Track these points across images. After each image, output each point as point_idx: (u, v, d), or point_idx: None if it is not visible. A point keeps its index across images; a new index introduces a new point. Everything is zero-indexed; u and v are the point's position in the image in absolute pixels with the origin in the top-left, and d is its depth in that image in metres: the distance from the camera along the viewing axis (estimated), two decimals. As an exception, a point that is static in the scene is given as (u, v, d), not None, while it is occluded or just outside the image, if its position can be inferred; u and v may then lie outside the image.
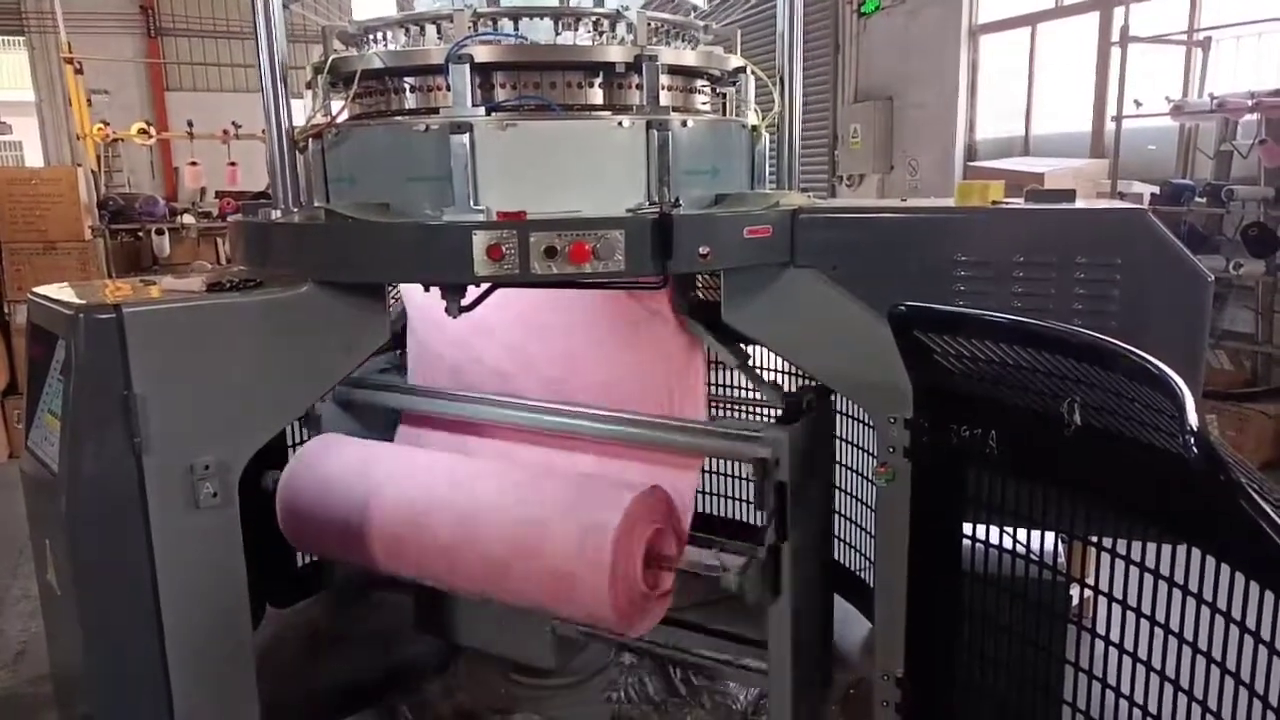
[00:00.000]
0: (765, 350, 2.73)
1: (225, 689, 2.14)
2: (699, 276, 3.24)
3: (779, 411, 2.49)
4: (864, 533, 3.25)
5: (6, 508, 2.35)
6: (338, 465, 2.76)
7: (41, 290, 2.20)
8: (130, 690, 2.03)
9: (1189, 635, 1.50)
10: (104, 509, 1.95)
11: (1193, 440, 1.27)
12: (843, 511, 3.36)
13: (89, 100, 7.30)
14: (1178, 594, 1.50)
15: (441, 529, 2.48)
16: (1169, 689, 1.55)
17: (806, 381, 2.63)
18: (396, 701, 2.78)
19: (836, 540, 3.38)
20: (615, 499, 2.32)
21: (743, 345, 2.61)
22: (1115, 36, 6.11)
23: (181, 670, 2.05)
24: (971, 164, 8.29)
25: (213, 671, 2.11)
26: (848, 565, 3.38)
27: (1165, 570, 1.53)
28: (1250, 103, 5.09)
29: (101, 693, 2.02)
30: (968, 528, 1.93)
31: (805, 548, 2.44)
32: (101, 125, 7.00)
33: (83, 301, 1.99)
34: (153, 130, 7.32)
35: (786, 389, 2.65)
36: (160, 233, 6.31)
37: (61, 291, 2.15)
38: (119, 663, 2.01)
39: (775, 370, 3.15)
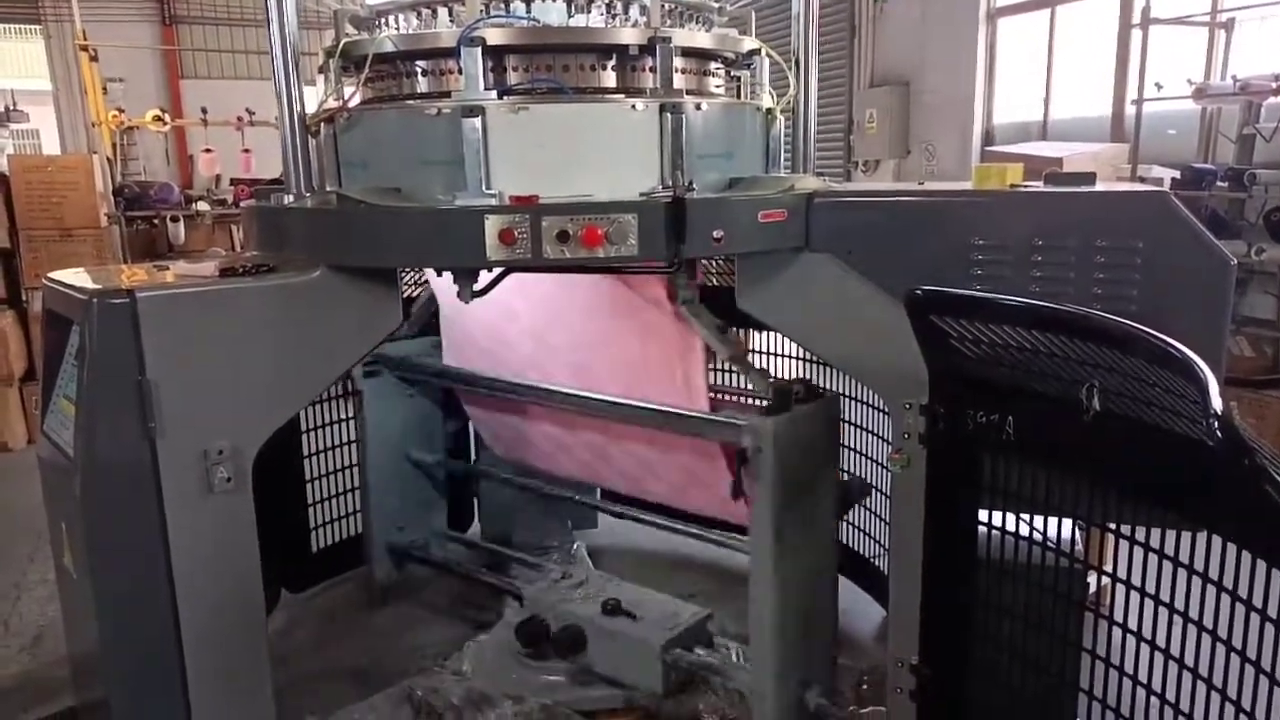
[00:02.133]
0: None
1: (239, 672, 2.15)
2: (713, 262, 3.23)
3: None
4: (878, 519, 3.24)
5: (27, 493, 2.37)
6: None
7: (56, 275, 2.21)
8: (145, 673, 2.05)
9: (1208, 622, 1.47)
10: (119, 494, 1.96)
11: (1216, 425, 1.25)
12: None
13: (104, 88, 7.32)
14: (1197, 580, 1.48)
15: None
16: (1188, 677, 1.53)
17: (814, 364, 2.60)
18: (409, 685, 2.79)
19: (851, 526, 3.38)
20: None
21: (738, 332, 2.59)
22: (1136, 18, 6.03)
23: (196, 653, 2.07)
24: (989, 149, 8.21)
25: (227, 655, 2.12)
26: (861, 552, 3.37)
27: (1184, 557, 1.50)
28: (1274, 85, 5.01)
29: (117, 675, 2.04)
30: (983, 514, 1.91)
31: (796, 544, 2.35)
32: (117, 113, 7.02)
33: (97, 286, 1.99)
34: (167, 117, 7.33)
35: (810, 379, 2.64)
36: (175, 220, 6.34)
37: (76, 277, 2.16)
38: (134, 646, 2.03)
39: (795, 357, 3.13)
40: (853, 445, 3.31)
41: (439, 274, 2.97)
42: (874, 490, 3.23)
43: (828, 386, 3.33)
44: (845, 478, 3.01)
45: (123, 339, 1.90)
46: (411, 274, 3.38)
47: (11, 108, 8.18)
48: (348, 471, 3.53)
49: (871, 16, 9.65)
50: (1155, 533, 1.58)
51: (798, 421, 2.31)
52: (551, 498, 3.49)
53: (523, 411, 3.17)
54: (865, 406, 3.23)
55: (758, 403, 3.08)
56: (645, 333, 2.68)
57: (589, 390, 2.74)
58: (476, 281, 2.33)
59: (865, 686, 2.71)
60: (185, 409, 1.98)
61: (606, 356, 2.79)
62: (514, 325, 2.99)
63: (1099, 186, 2.22)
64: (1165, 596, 1.55)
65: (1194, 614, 1.50)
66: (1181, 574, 1.51)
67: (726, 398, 2.96)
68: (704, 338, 2.48)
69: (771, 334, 3.32)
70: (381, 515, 3.44)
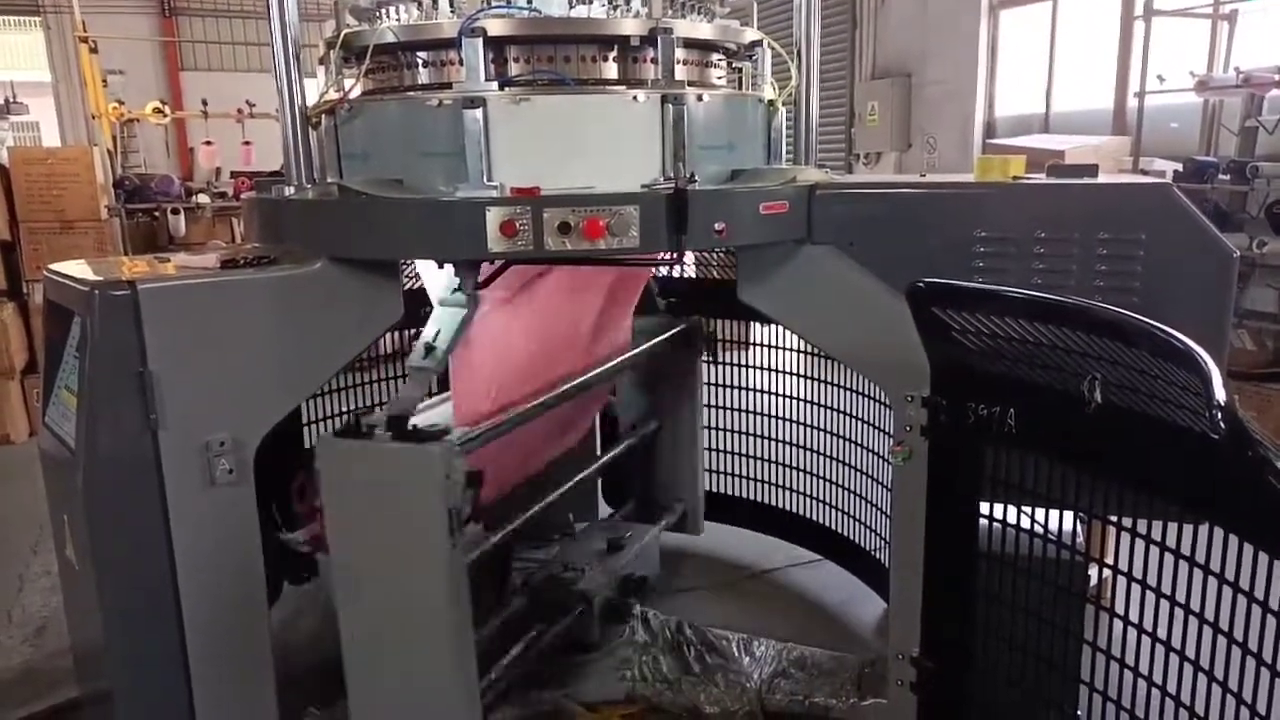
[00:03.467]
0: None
1: (242, 664, 2.15)
2: (714, 254, 3.23)
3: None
4: (878, 511, 3.24)
5: (30, 485, 2.37)
6: None
7: (57, 267, 2.20)
8: (148, 665, 2.05)
9: (1210, 615, 1.47)
10: (121, 486, 1.96)
11: (1220, 416, 1.24)
12: (858, 490, 3.35)
13: (104, 80, 7.31)
14: (1198, 573, 1.48)
15: None
16: (1189, 670, 1.53)
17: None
18: (412, 677, 2.80)
19: (852, 520, 3.38)
20: None
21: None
22: (1139, 10, 6.00)
23: (198, 645, 2.07)
24: (990, 141, 8.20)
25: (229, 647, 2.12)
26: (861, 544, 3.37)
27: (1186, 549, 1.50)
28: (1277, 77, 4.99)
29: (120, 667, 2.05)
30: (985, 507, 1.91)
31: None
32: (117, 105, 7.01)
33: (98, 278, 1.99)
34: (167, 109, 7.32)
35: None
36: (176, 212, 6.32)
37: (77, 269, 2.16)
38: (137, 638, 2.03)
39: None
40: (856, 439, 3.32)
41: (440, 265, 2.95)
42: (875, 485, 3.24)
43: (826, 380, 3.35)
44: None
45: (124, 330, 1.90)
46: (413, 265, 3.38)
47: (11, 100, 8.16)
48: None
49: (873, 8, 9.62)
50: (1157, 525, 1.58)
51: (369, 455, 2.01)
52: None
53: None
54: (866, 399, 3.23)
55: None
56: None
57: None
58: (479, 273, 2.32)
59: (866, 679, 2.72)
60: (187, 401, 1.98)
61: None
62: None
63: (1101, 179, 2.21)
64: (1166, 589, 1.55)
65: (1195, 607, 1.50)
66: (1183, 567, 1.51)
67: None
68: None
69: (773, 327, 3.32)
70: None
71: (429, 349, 2.22)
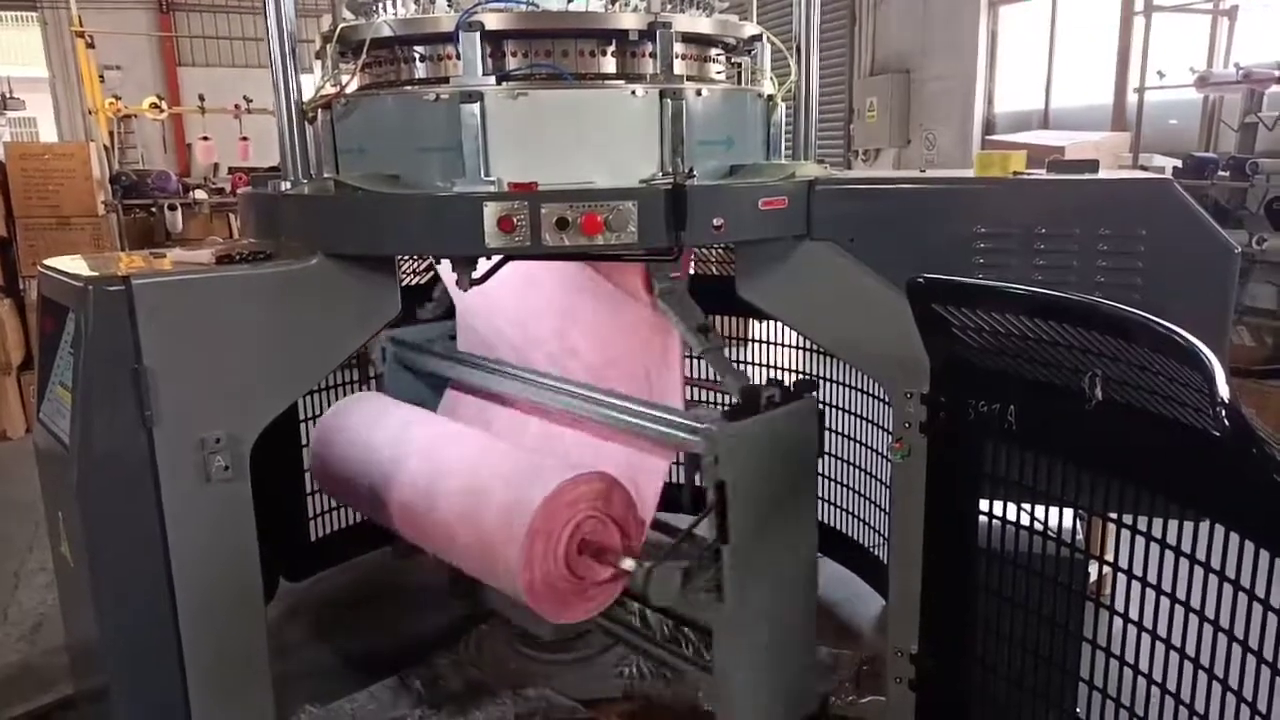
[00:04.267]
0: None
1: (238, 661, 2.14)
2: (713, 250, 3.22)
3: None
4: (877, 508, 3.24)
5: (26, 481, 2.36)
6: (353, 419, 2.85)
7: (51, 262, 2.19)
8: (144, 661, 2.04)
9: (1209, 612, 1.47)
10: (115, 482, 1.95)
11: (1224, 413, 1.23)
12: (856, 487, 3.35)
13: (101, 76, 7.29)
14: (1198, 570, 1.47)
15: (406, 489, 2.46)
16: (1188, 667, 1.52)
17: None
18: (409, 674, 2.79)
19: (852, 517, 3.37)
20: (548, 477, 2.17)
21: (712, 329, 2.45)
22: (1139, 6, 5.99)
23: (194, 642, 2.06)
24: (990, 137, 8.18)
25: (225, 643, 2.11)
26: (860, 541, 3.36)
27: (1186, 546, 1.50)
28: (1277, 73, 4.98)
29: (115, 664, 2.03)
30: (984, 503, 1.90)
31: (763, 563, 2.26)
32: (113, 100, 6.99)
33: (93, 273, 1.98)
34: (164, 105, 7.30)
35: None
36: (173, 208, 6.31)
37: (71, 264, 2.14)
38: (132, 634, 2.02)
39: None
40: (853, 435, 3.31)
41: (437, 261, 2.95)
42: (874, 482, 3.23)
43: (825, 377, 3.34)
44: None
45: (119, 326, 1.89)
46: (410, 261, 3.37)
47: (8, 95, 8.14)
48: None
49: (872, 4, 9.60)
50: (1156, 522, 1.57)
51: (761, 429, 2.18)
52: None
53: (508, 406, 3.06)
54: (866, 396, 3.22)
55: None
56: (620, 326, 2.60)
57: (562, 381, 2.65)
58: (475, 269, 2.31)
59: (865, 676, 2.71)
60: (182, 397, 1.96)
61: (580, 350, 2.73)
62: (501, 314, 2.95)
63: (1102, 174, 2.20)
64: (1166, 586, 1.55)
65: (1195, 603, 1.49)
66: (1183, 564, 1.50)
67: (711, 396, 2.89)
68: (680, 332, 2.39)
69: (772, 323, 3.31)
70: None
71: (703, 330, 2.38)
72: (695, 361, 2.67)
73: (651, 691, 2.73)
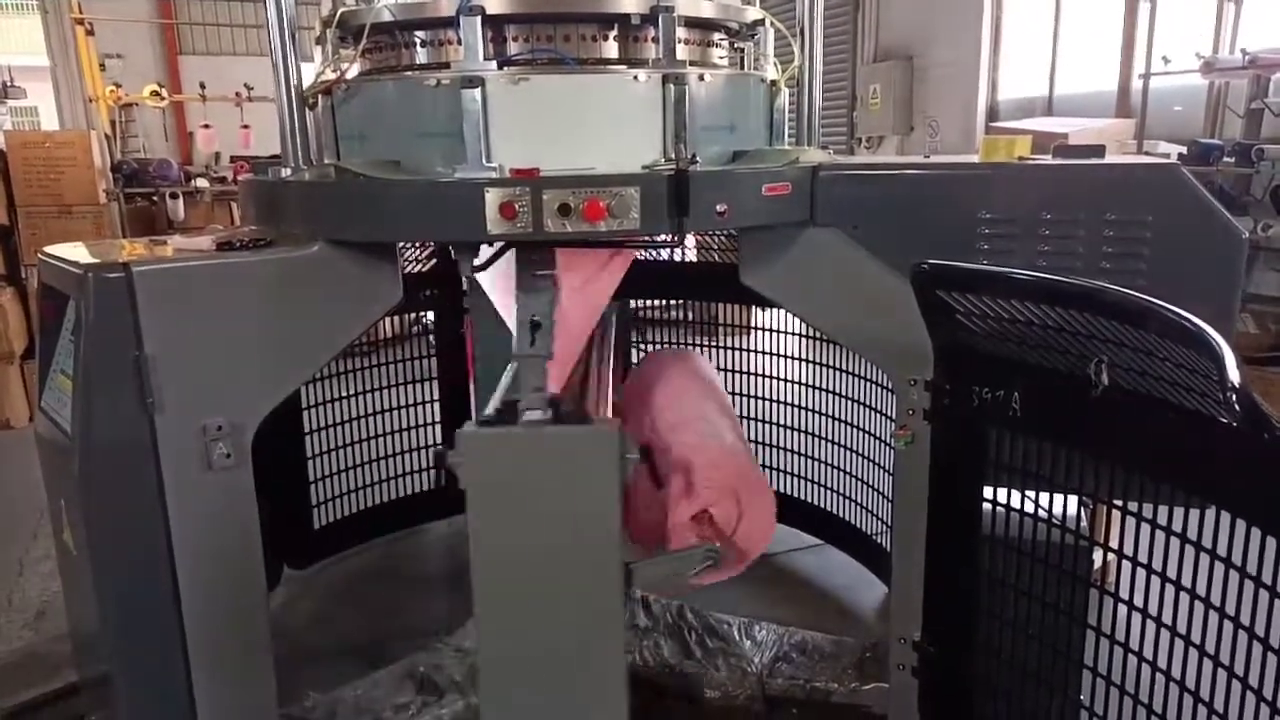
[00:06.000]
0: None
1: (241, 648, 2.15)
2: (714, 237, 3.20)
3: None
4: (880, 496, 3.23)
5: (30, 469, 2.36)
6: None
7: (52, 250, 2.18)
8: (147, 649, 2.04)
9: (1215, 599, 1.46)
10: (117, 470, 1.95)
11: (1235, 398, 1.22)
12: (859, 475, 3.34)
13: (102, 64, 7.27)
14: (1204, 557, 1.47)
15: None
16: (1194, 653, 1.52)
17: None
18: (412, 662, 2.80)
19: (852, 503, 3.37)
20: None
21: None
22: (1144, -9, 5.94)
23: (197, 629, 2.06)
24: (994, 124, 8.15)
25: (228, 631, 2.11)
26: (862, 528, 3.36)
27: (1192, 534, 1.49)
28: (1284, 58, 4.94)
29: (118, 651, 2.04)
30: (988, 490, 1.90)
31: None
32: (114, 88, 6.97)
33: (93, 260, 1.97)
34: (165, 93, 7.28)
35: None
36: (174, 196, 6.30)
37: (72, 251, 2.13)
38: (135, 622, 2.02)
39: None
40: (858, 423, 3.31)
41: (439, 248, 2.93)
42: (876, 469, 3.23)
43: (828, 363, 3.34)
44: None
45: (119, 314, 1.88)
46: (415, 248, 3.36)
47: (9, 84, 8.11)
48: (351, 448, 3.53)
49: (875, -10, 9.54)
50: (1161, 508, 1.56)
51: (521, 443, 1.68)
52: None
53: None
54: (868, 382, 3.21)
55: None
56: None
57: None
58: (477, 255, 2.30)
59: (867, 663, 2.71)
60: (183, 384, 1.96)
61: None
62: None
63: (1109, 159, 2.19)
64: (1171, 573, 1.54)
65: (1200, 590, 1.49)
66: (1189, 550, 1.50)
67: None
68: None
69: (776, 310, 3.30)
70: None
71: (535, 327, 1.93)
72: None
73: (655, 679, 2.73)
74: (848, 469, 3.37)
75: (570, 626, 1.76)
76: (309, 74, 2.23)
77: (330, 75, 2.22)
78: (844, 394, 3.33)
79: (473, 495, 1.68)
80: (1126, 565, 1.63)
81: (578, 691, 1.78)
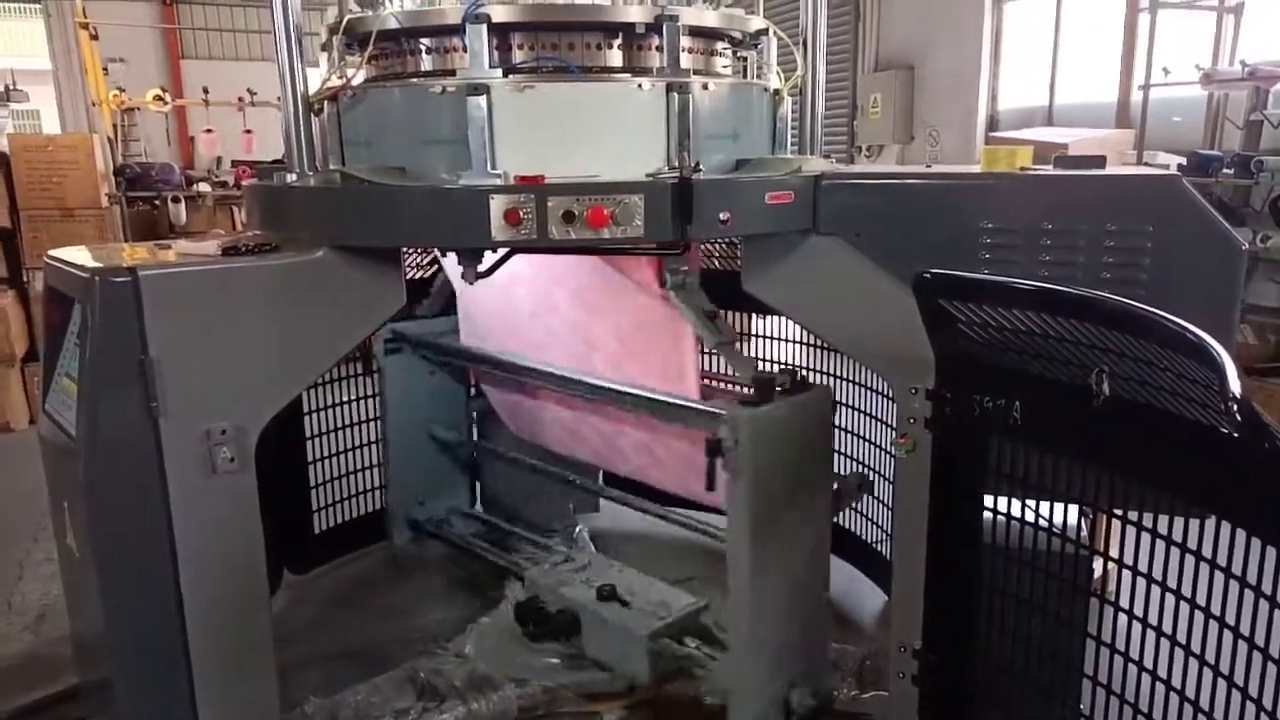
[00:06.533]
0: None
1: (242, 652, 2.15)
2: (714, 244, 3.21)
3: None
4: (879, 504, 3.23)
5: (30, 472, 2.36)
6: None
7: (57, 253, 2.19)
8: (148, 652, 2.04)
9: (1215, 608, 1.47)
10: (122, 473, 1.96)
11: (1236, 408, 1.23)
12: (859, 483, 3.34)
13: (105, 68, 7.27)
14: (1204, 566, 1.47)
15: None
16: (1193, 663, 1.52)
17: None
18: (412, 667, 2.80)
19: (854, 512, 3.37)
20: None
21: (728, 316, 2.55)
22: (1144, 3, 5.97)
23: (199, 633, 2.06)
24: (994, 134, 8.18)
25: (230, 635, 2.12)
26: (862, 535, 3.36)
27: (1192, 543, 1.50)
28: (1283, 71, 4.97)
29: (120, 655, 2.04)
30: (988, 499, 1.90)
31: (778, 543, 2.28)
32: (117, 92, 6.98)
33: (99, 265, 1.98)
34: (168, 97, 7.29)
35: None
36: (177, 201, 6.32)
37: (77, 255, 2.14)
38: (137, 625, 2.02)
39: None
40: (857, 430, 3.31)
41: (443, 254, 2.95)
42: (876, 477, 3.23)
43: (829, 371, 3.34)
44: (844, 474, 2.94)
45: (125, 317, 1.89)
46: (416, 254, 3.37)
47: (12, 87, 8.12)
48: (352, 453, 3.53)
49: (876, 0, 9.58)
50: (1161, 517, 1.57)
51: (779, 415, 2.22)
52: (552, 480, 3.49)
53: (534, 394, 3.17)
54: (869, 391, 3.21)
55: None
56: (634, 317, 2.66)
57: (582, 373, 2.74)
58: (481, 262, 2.31)
59: (867, 671, 2.71)
60: (188, 388, 1.96)
61: (599, 340, 2.78)
62: (517, 308, 2.99)
63: (1109, 170, 2.20)
64: (1171, 582, 1.55)
65: (1201, 599, 1.49)
66: (1189, 560, 1.50)
67: (723, 385, 2.93)
68: (692, 323, 2.43)
69: (775, 318, 3.31)
70: (401, 489, 3.55)
71: (712, 317, 2.42)
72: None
73: (653, 686, 2.73)
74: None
75: (802, 541, 2.37)
76: (314, 79, 2.24)
77: (336, 82, 2.23)
78: (844, 401, 3.33)
79: (744, 461, 2.16)
80: (1127, 574, 1.64)
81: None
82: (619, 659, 2.73)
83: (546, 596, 2.89)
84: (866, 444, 3.28)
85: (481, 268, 2.41)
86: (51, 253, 2.22)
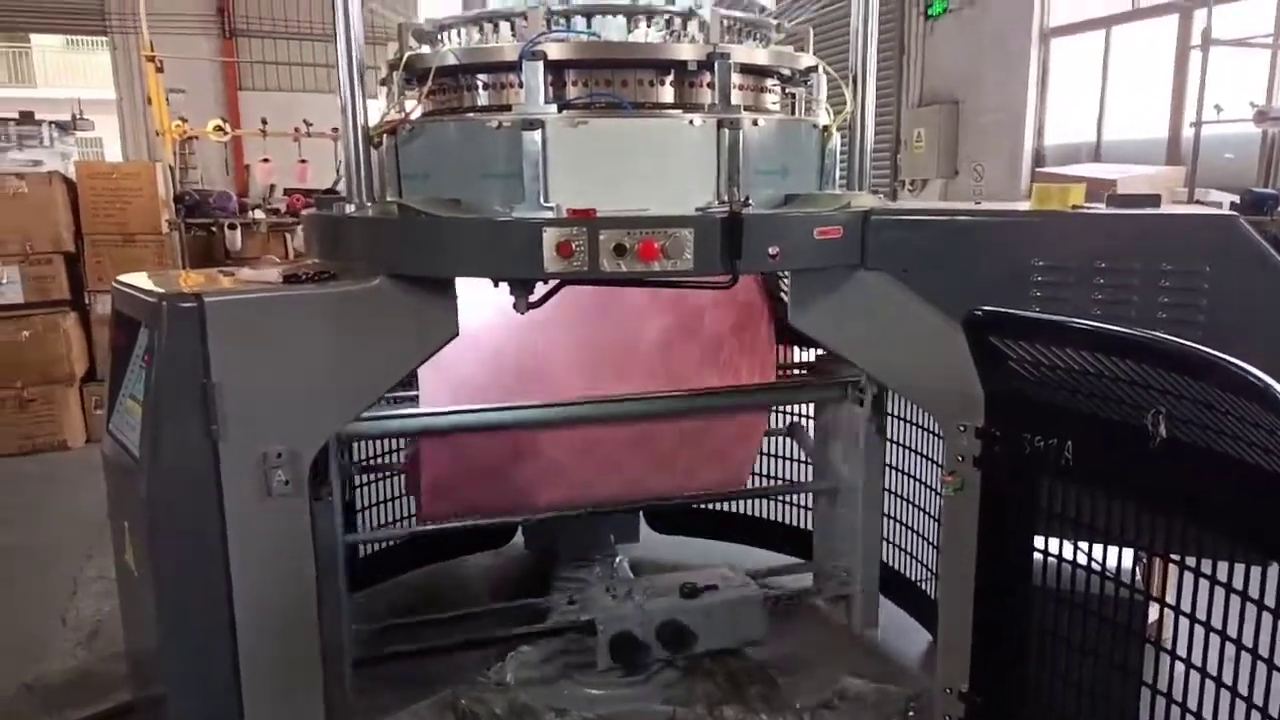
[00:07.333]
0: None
1: (292, 671, 2.18)
2: (759, 278, 3.22)
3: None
4: (925, 541, 3.19)
5: (87, 490, 2.43)
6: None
7: (125, 278, 2.27)
8: (201, 670, 2.08)
9: (1278, 659, 1.43)
10: (182, 494, 2.01)
11: (1299, 454, 1.21)
12: (904, 520, 3.31)
13: (167, 98, 7.53)
14: (1266, 615, 1.44)
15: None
16: (1256, 716, 1.48)
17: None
18: (452, 694, 2.81)
19: (896, 549, 3.34)
20: None
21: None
22: (1195, 39, 5.92)
23: (250, 653, 2.10)
24: (1040, 169, 8.11)
25: (280, 655, 2.15)
26: (907, 574, 3.32)
27: (1253, 591, 1.46)
28: (1341, 109, 4.88)
29: (174, 672, 2.08)
30: (1039, 540, 1.88)
31: None
32: (180, 122, 7.21)
33: (166, 290, 2.04)
34: (228, 127, 7.51)
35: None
36: (233, 227, 6.47)
37: (143, 281, 2.22)
38: (191, 643, 2.07)
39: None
40: (905, 469, 3.28)
41: (495, 284, 2.92)
42: (922, 512, 3.19)
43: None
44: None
45: (191, 342, 1.95)
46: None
47: (79, 116, 8.43)
48: (396, 478, 3.57)
49: (920, 34, 9.60)
50: (1221, 564, 1.54)
51: None
52: (595, 511, 3.49)
53: (507, 449, 2.95)
54: (916, 428, 3.19)
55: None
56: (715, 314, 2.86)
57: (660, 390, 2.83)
58: (533, 292, 2.35)
59: (912, 713, 2.67)
60: (247, 412, 2.02)
61: (679, 347, 2.88)
62: (547, 340, 2.82)
63: (1165, 209, 2.18)
64: (1231, 630, 1.51)
65: (1264, 650, 1.45)
66: (1250, 609, 1.47)
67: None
68: None
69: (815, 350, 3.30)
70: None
71: None
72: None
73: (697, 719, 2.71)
74: (893, 514, 3.34)
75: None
76: (372, 111, 2.31)
77: (395, 115, 2.30)
78: (890, 438, 3.30)
79: None
80: (1184, 621, 1.61)
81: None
82: (740, 631, 2.83)
83: (634, 628, 2.76)
84: (912, 481, 3.24)
85: (533, 298, 2.44)
86: (120, 278, 2.30)
